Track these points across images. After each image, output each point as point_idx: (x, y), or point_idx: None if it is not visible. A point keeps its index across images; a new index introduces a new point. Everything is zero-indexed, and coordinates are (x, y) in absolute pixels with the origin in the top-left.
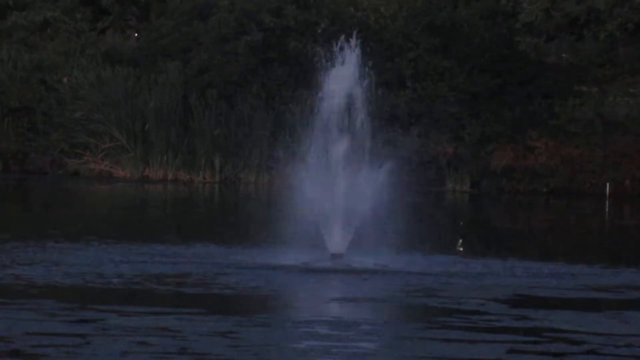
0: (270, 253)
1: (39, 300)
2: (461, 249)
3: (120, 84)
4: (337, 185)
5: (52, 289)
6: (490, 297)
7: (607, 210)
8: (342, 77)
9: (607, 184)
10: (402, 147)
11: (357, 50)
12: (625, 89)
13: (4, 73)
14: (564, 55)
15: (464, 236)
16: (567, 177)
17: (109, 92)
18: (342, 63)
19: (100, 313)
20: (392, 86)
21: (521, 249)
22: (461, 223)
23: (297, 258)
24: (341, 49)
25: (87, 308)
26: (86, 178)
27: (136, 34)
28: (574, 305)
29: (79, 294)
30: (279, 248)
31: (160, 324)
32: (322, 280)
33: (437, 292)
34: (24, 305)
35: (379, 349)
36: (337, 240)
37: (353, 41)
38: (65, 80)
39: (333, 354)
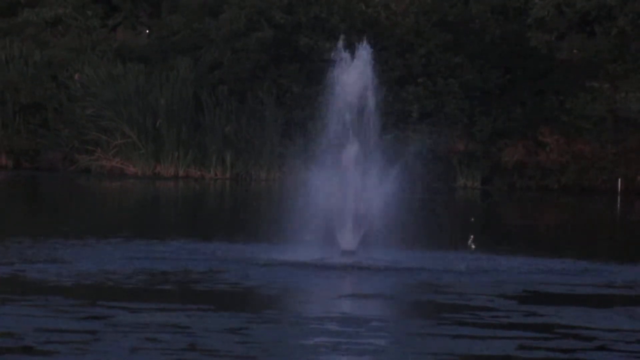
0: (281, 250)
1: (49, 297)
2: (472, 245)
3: (132, 80)
4: (348, 181)
5: (62, 286)
6: (499, 294)
7: (618, 206)
8: (353, 74)
9: (619, 181)
10: (413, 144)
11: (368, 47)
12: (637, 85)
13: (16, 70)
14: (575, 51)
15: (474, 233)
16: (579, 173)
17: (120, 89)
18: (353, 59)
19: (110, 310)
20: (403, 83)
21: (531, 245)
22: (472, 219)
23: (308, 255)
24: (352, 45)
25: (96, 305)
26: (97, 175)
27: (147, 31)
28: (584, 301)
29: (89, 290)
30: (290, 245)
31: (170, 321)
32: (332, 277)
33: (447, 289)
34: (34, 302)
35: (388, 346)
36: (348, 236)
37: (365, 39)
38: (76, 77)
39: (343, 350)
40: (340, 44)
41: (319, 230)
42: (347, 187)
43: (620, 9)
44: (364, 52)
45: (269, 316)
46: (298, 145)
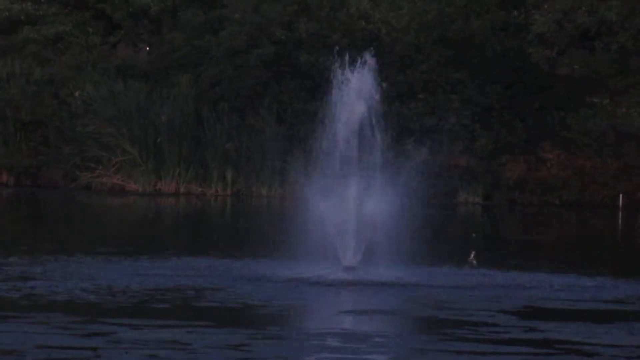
0: (283, 265)
1: (49, 314)
2: (474, 261)
3: (132, 97)
4: (350, 197)
5: (63, 303)
6: (500, 309)
7: (619, 222)
8: (354, 90)
9: (620, 196)
10: (414, 159)
11: (370, 63)
12: (638, 100)
13: (17, 87)
14: (576, 66)
15: (476, 248)
16: (580, 188)
17: (121, 106)
18: (354, 75)
19: (111, 326)
20: (404, 98)
21: (532, 260)
22: (473, 235)
23: (309, 271)
24: (353, 61)
25: (98, 321)
26: (98, 192)
27: (148, 48)
28: (585, 316)
29: (90, 307)
30: (292, 260)
31: (171, 337)
32: (334, 293)
33: (448, 305)
34: (35, 319)
35: None
36: (350, 253)
37: (366, 55)
38: (77, 94)
39: None
40: (345, 59)
41: (321, 246)
42: (348, 203)
43: (620, 25)
44: (366, 68)
45: (271, 332)
46: (299, 161)
